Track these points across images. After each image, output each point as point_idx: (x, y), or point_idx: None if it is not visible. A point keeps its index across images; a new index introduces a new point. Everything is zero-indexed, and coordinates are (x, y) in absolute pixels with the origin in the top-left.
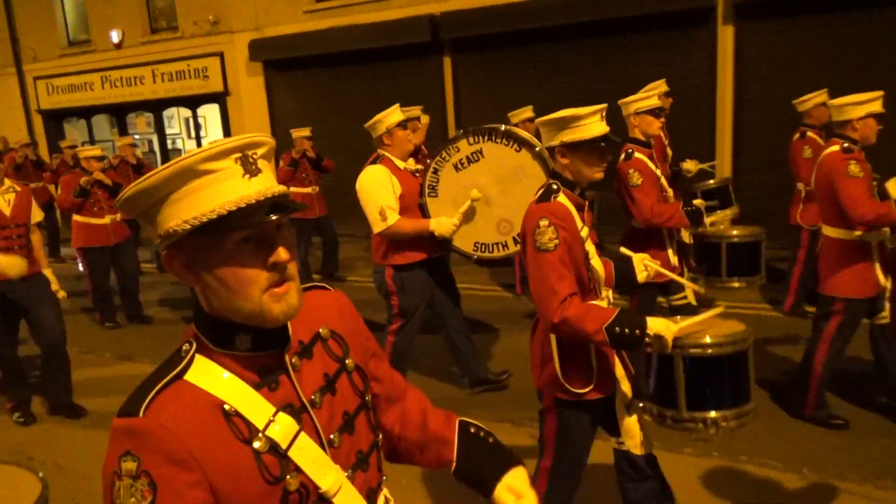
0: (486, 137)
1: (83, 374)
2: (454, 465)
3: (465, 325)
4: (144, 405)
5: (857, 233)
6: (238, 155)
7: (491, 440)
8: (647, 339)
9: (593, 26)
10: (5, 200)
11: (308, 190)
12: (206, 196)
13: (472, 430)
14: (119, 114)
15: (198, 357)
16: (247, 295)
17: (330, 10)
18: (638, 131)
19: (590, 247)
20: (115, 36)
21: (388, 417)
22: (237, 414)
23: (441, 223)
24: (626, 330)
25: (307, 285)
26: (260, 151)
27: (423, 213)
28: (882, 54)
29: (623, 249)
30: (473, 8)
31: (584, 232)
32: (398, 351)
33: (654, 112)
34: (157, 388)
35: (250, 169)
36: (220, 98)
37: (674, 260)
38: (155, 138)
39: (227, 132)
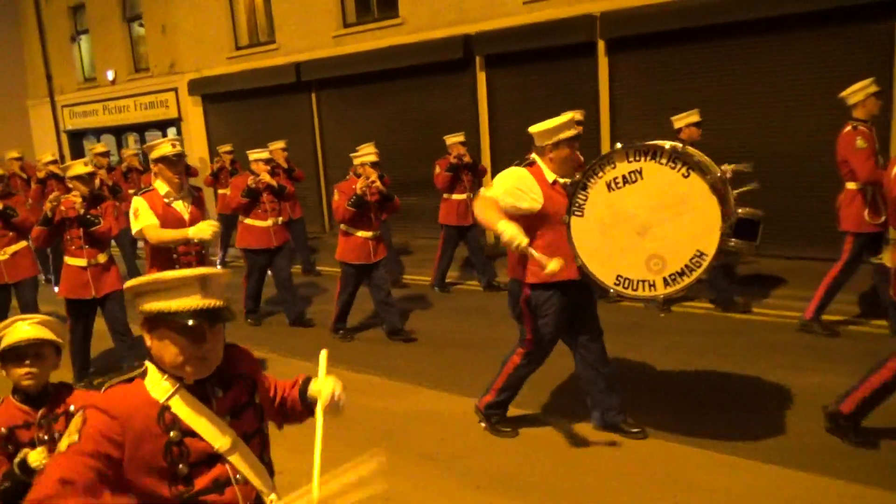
0: (648, 156)
1: None
2: None
3: (598, 357)
4: None
5: None
6: None
7: None
8: None
9: (395, 72)
10: (185, 206)
11: (464, 196)
12: None
13: None
14: (117, 134)
15: None
16: None
17: (240, 56)
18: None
19: None
20: (110, 74)
21: None
22: None
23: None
24: None
25: None
26: None
27: (566, 232)
28: (576, 95)
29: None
30: (327, 57)
31: None
32: (514, 374)
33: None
34: None
35: None
36: (176, 123)
37: None
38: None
39: None
